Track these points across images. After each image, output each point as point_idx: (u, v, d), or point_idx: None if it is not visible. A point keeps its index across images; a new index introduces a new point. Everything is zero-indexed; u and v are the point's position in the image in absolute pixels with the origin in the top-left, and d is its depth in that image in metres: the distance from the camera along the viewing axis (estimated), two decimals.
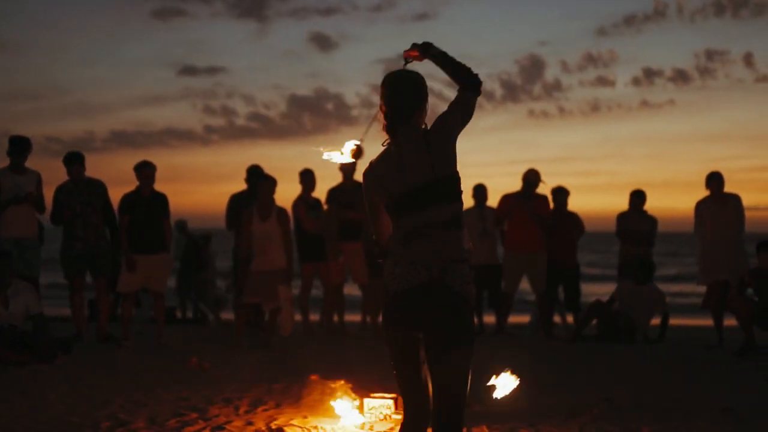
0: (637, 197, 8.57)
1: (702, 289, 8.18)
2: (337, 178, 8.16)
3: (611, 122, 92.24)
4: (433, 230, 2.62)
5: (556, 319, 9.00)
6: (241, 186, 8.04)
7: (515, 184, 8.53)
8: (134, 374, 5.72)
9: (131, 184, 7.30)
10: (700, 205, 7.91)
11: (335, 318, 8.28)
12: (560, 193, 8.52)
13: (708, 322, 14.34)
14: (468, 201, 8.73)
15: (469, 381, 2.66)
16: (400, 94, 2.71)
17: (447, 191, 2.63)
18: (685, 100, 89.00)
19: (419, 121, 2.73)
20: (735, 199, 7.87)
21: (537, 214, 8.26)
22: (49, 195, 7.18)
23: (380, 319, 8.18)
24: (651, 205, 8.70)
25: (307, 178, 8.05)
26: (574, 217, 8.61)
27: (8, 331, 6.08)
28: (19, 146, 7.07)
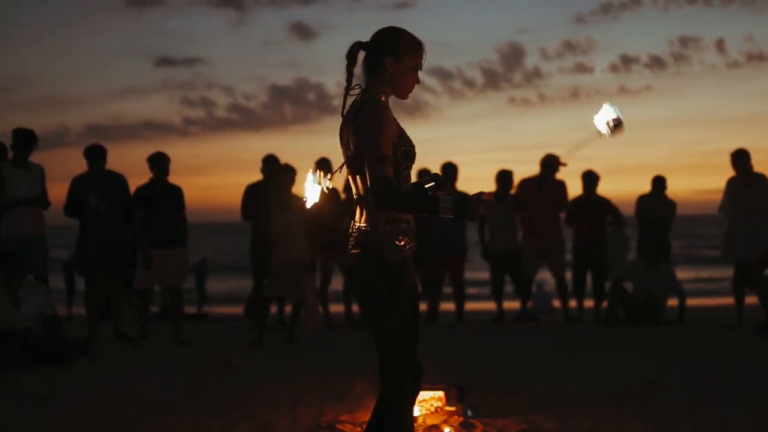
0: (659, 181, 8.62)
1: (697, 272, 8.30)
2: None
3: (590, 108, 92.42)
4: (360, 200, 2.62)
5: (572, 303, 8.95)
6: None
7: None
8: (160, 374, 5.51)
9: None
10: (729, 183, 7.85)
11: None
12: (589, 177, 8.49)
13: (708, 301, 14.60)
14: (491, 186, 8.68)
15: (400, 345, 2.61)
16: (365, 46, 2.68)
17: (362, 166, 2.57)
18: (661, 86, 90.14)
19: (378, 80, 2.63)
20: (760, 178, 7.80)
21: (554, 200, 8.26)
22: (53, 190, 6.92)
23: None
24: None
25: (323, 167, 7.86)
26: (605, 202, 8.56)
27: (23, 335, 5.82)
28: (24, 139, 6.78)
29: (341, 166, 2.71)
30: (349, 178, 2.66)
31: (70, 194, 6.91)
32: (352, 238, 2.63)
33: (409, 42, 2.65)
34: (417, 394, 2.73)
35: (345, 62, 2.65)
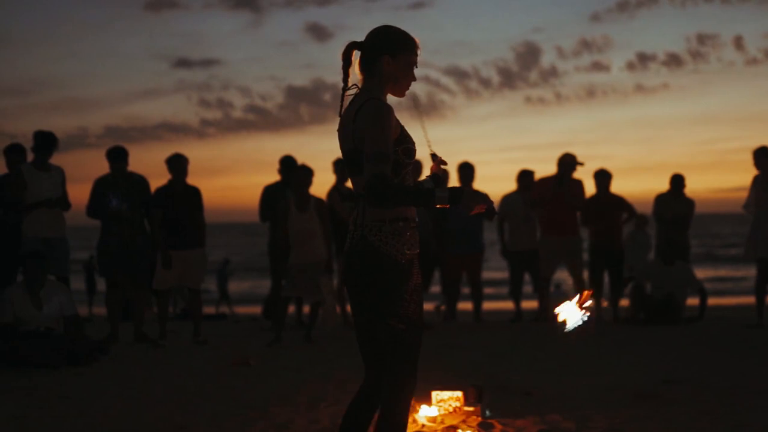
0: (677, 180, 8.57)
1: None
2: None
3: (607, 107, 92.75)
4: (360, 199, 2.61)
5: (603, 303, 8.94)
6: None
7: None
8: (180, 374, 5.55)
9: None
10: (755, 180, 7.78)
11: None
12: (602, 176, 8.45)
13: (727, 300, 14.47)
14: (512, 186, 8.69)
15: (401, 343, 2.61)
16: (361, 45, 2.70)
17: (361, 164, 2.58)
18: (679, 84, 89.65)
19: (375, 79, 2.66)
20: None
21: (572, 198, 8.23)
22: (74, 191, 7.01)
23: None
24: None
25: (341, 167, 7.88)
26: (619, 200, 8.52)
27: (44, 335, 5.89)
28: (44, 142, 6.88)
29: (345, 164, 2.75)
30: (350, 178, 2.69)
31: (92, 196, 6.98)
32: (355, 237, 2.63)
33: (404, 40, 2.67)
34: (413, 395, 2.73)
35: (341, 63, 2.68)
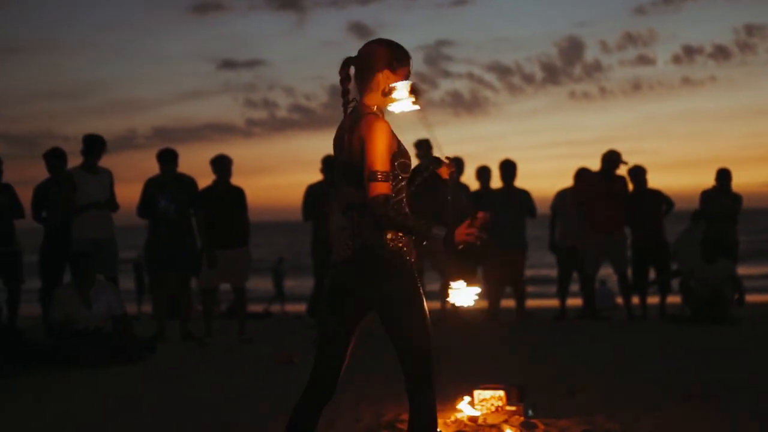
0: (724, 175, 8.42)
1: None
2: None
3: (653, 101, 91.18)
4: (354, 210, 2.63)
5: (635, 300, 8.83)
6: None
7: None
8: (225, 372, 5.64)
9: None
10: None
11: None
12: (638, 172, 8.34)
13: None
14: (555, 182, 8.65)
15: (420, 340, 2.66)
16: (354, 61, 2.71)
17: (358, 177, 2.59)
18: (726, 77, 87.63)
19: (373, 93, 2.67)
20: None
21: (617, 194, 8.16)
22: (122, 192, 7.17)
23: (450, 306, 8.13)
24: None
25: None
26: (657, 194, 8.39)
27: (94, 334, 6.03)
28: (93, 145, 7.06)
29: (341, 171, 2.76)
30: (344, 185, 2.70)
31: (142, 196, 7.14)
32: (355, 247, 2.64)
33: (400, 52, 2.71)
34: None
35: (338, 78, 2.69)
